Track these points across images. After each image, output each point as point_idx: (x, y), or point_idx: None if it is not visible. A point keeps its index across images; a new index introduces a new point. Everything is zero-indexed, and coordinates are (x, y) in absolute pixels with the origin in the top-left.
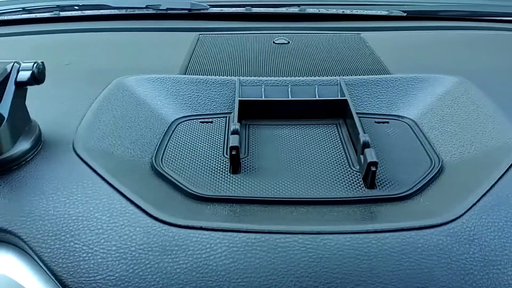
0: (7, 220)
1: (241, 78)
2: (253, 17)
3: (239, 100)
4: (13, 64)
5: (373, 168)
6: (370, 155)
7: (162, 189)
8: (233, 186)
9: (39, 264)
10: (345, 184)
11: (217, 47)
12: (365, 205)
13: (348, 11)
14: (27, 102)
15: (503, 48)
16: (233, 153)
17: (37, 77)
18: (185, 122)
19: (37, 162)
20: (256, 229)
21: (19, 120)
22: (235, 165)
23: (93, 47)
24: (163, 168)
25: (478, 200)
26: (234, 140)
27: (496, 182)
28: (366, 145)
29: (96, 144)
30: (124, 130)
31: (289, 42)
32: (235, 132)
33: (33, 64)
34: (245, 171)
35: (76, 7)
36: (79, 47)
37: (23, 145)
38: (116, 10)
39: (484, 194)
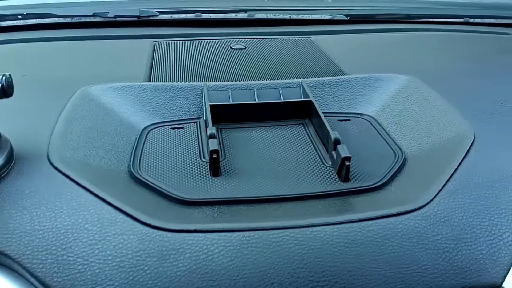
0: None
1: (208, 83)
2: (203, 23)
3: (210, 105)
4: None
5: (347, 163)
6: (343, 150)
7: (146, 196)
8: (216, 188)
9: (29, 281)
10: (321, 179)
11: (175, 54)
12: (344, 197)
13: (294, 16)
14: None
15: (444, 48)
16: (214, 156)
17: (6, 90)
18: (156, 129)
19: (13, 177)
20: (249, 227)
21: None
22: (216, 168)
23: (46, 57)
24: (142, 175)
25: (444, 186)
26: (213, 144)
27: (456, 169)
28: (337, 141)
29: (71, 155)
30: (96, 140)
31: (246, 48)
32: (212, 136)
33: (1, 77)
34: (225, 173)
35: (20, 16)
36: (30, 58)
37: None
38: (61, 19)
39: (448, 180)
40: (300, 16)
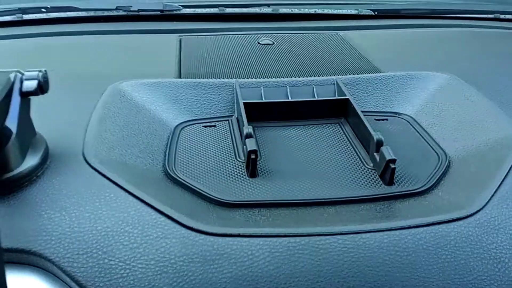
0: (29, 241)
1: (239, 80)
2: (227, 18)
3: (244, 103)
4: (15, 74)
5: (392, 166)
6: (388, 152)
7: (184, 197)
8: (255, 190)
9: (69, 285)
10: (363, 182)
11: (203, 49)
12: (390, 202)
13: (320, 11)
14: None
15: (477, 45)
16: (252, 157)
17: (43, 87)
18: (188, 127)
19: (50, 176)
20: (295, 232)
21: (26, 133)
22: (254, 169)
23: (72, 51)
24: (178, 175)
25: (496, 191)
26: (251, 144)
27: (507, 173)
28: (380, 143)
29: (107, 155)
30: (130, 138)
31: (274, 43)
32: (249, 135)
33: (38, 73)
34: (262, 174)
35: (44, 10)
36: (56, 52)
37: (32, 160)
38: (84, 12)
39: (500, 185)
40: (326, 11)
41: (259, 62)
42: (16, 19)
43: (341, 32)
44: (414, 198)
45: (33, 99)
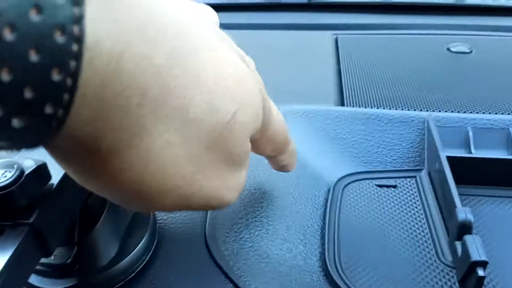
0: None
1: (433, 114)
2: (396, 8)
3: (447, 157)
4: None
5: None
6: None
7: None
8: None
9: None
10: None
11: (366, 57)
12: None
13: None
14: None
15: None
16: (480, 274)
17: None
18: (354, 184)
19: (161, 264)
20: None
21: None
22: None
23: None
24: (344, 275)
25: None
26: (475, 251)
27: None
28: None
29: (235, 236)
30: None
31: (471, 51)
32: (468, 226)
33: None
34: None
35: None
36: None
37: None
38: None
39: None
40: None
41: (453, 81)
42: None
43: None
44: None
45: None
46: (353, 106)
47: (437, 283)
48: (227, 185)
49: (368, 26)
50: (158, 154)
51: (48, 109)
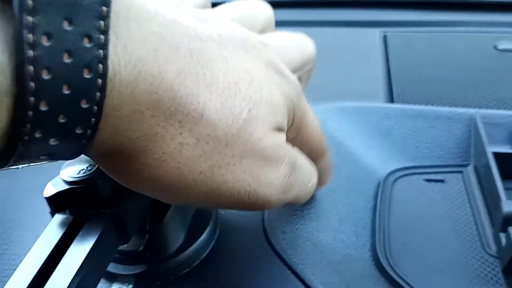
0: None
1: (481, 111)
2: (441, 5)
3: (493, 152)
4: None
5: None
6: None
7: None
8: None
9: None
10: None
11: (414, 54)
12: None
13: None
14: None
15: None
16: None
17: None
18: (403, 178)
19: (221, 259)
20: None
21: None
22: None
23: None
24: (394, 268)
25: None
26: None
27: None
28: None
29: (293, 229)
30: None
31: None
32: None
33: None
34: None
35: None
36: None
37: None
38: None
39: None
40: None
41: (499, 78)
42: None
43: None
44: None
45: None
46: (402, 103)
47: (482, 272)
48: (262, 181)
49: (415, 23)
50: (171, 154)
51: (79, 130)
